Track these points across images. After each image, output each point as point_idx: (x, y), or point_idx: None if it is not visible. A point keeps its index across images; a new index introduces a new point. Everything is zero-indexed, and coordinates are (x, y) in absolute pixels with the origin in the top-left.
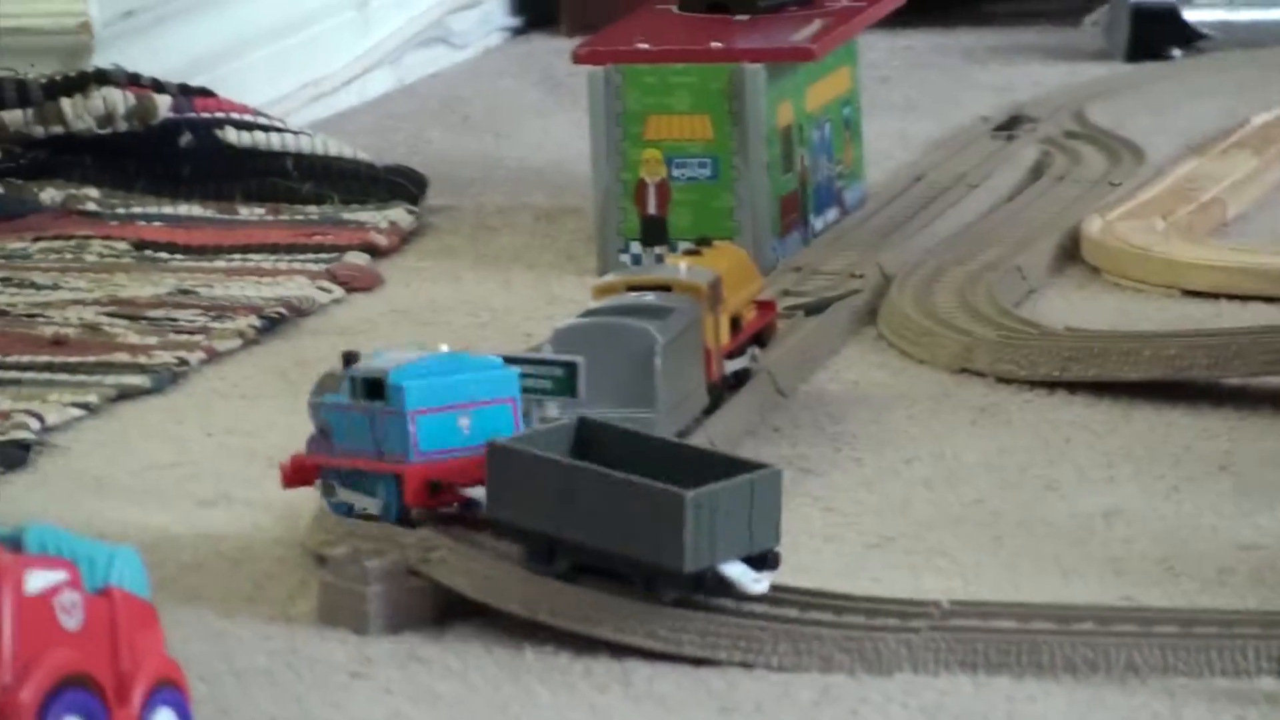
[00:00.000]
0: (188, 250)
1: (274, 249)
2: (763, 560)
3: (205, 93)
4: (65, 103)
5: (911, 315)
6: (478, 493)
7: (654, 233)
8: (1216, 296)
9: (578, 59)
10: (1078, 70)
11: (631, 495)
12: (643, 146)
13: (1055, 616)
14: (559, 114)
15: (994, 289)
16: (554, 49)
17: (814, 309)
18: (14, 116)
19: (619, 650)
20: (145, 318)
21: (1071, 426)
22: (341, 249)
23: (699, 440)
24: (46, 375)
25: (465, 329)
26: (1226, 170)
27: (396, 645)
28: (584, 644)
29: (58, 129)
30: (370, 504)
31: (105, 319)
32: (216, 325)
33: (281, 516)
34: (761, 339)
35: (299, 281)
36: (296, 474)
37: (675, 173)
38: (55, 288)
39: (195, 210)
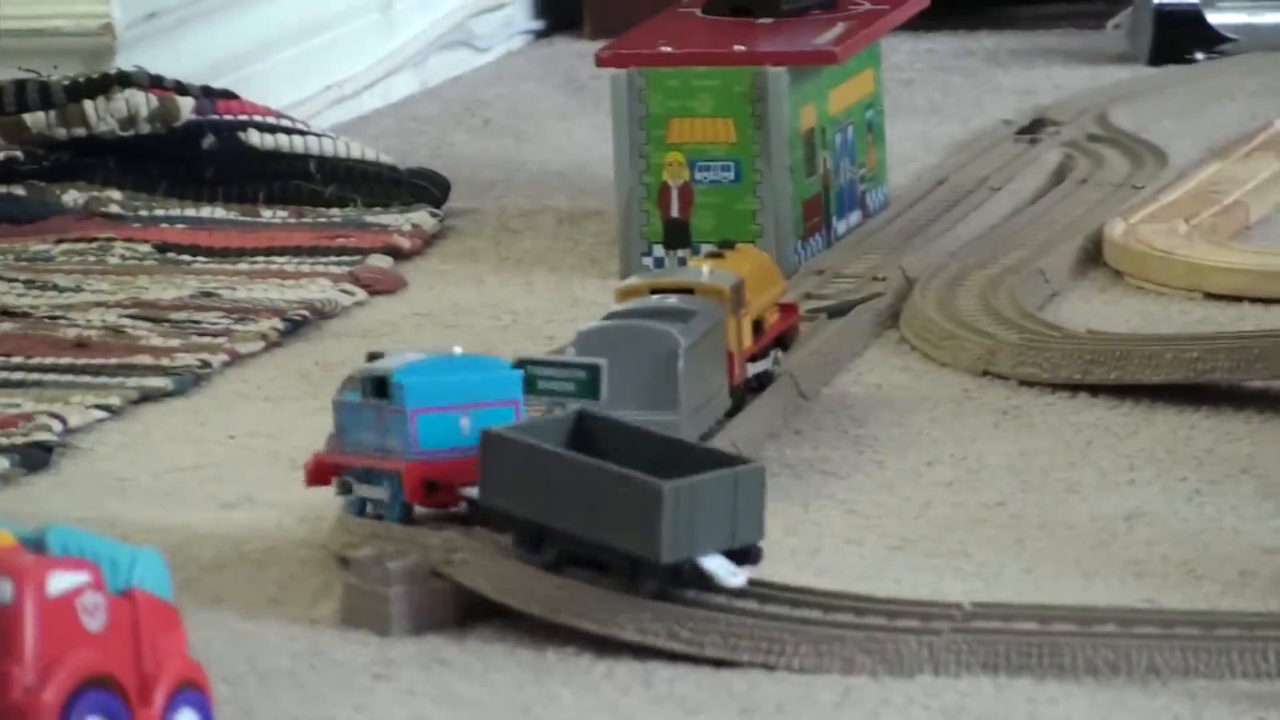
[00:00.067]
0: (210, 253)
1: (297, 251)
2: (745, 555)
3: (228, 95)
4: (88, 105)
5: (934, 318)
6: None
7: (676, 236)
8: (1239, 299)
9: (600, 62)
10: (1100, 73)
11: (613, 485)
12: (665, 149)
13: (1077, 618)
14: (581, 117)
15: (1016, 292)
16: (577, 52)
17: (836, 312)
18: (37, 118)
19: (641, 652)
20: (168, 320)
21: (1093, 429)
22: (364, 252)
23: (722, 443)
24: (69, 377)
25: (488, 331)
26: (1249, 173)
27: (419, 647)
28: (606, 645)
29: (80, 131)
30: (383, 498)
31: (128, 321)
32: (239, 327)
33: (304, 518)
34: (784, 342)
35: (321, 284)
36: (317, 472)
37: (698, 176)
38: (78, 290)
39: (218, 213)
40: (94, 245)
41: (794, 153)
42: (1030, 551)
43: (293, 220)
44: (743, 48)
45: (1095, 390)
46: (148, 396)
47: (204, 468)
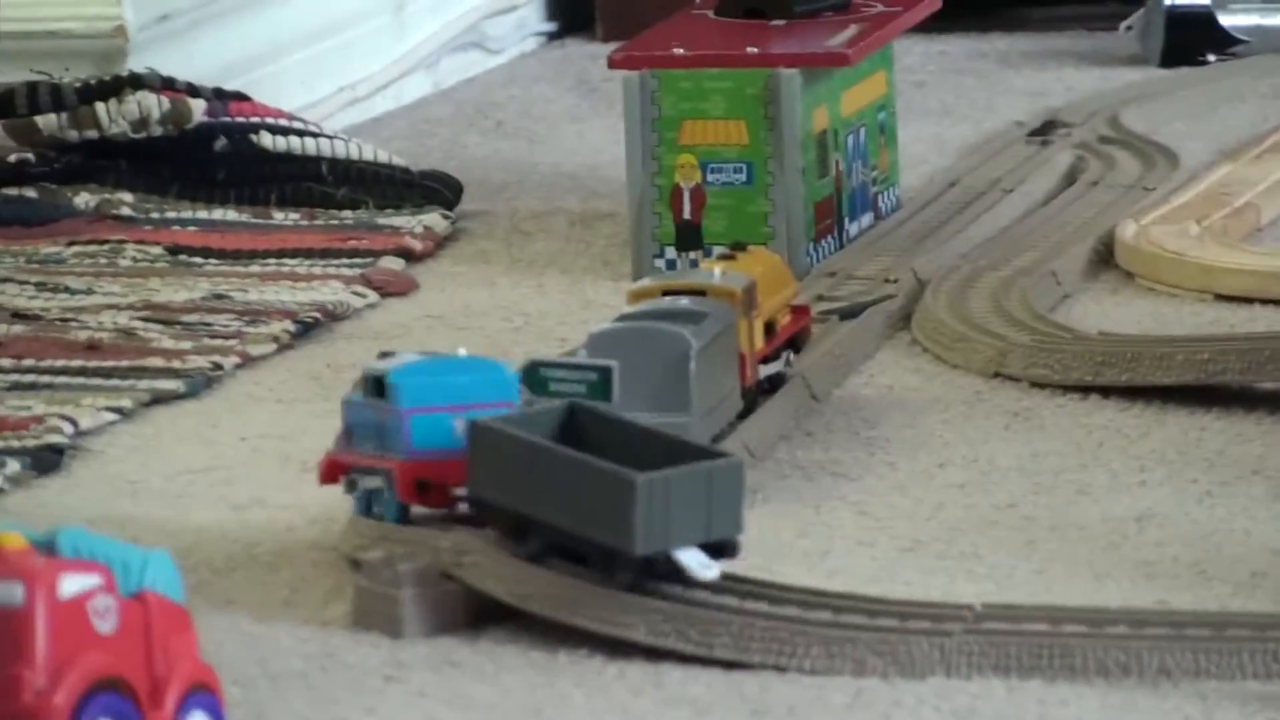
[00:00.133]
0: (222, 255)
1: (308, 254)
2: (721, 549)
3: (240, 97)
4: (100, 107)
5: (946, 320)
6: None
7: (688, 238)
8: (1250, 301)
9: (613, 64)
10: (1112, 75)
11: (589, 477)
12: (678, 151)
13: (1088, 620)
14: (594, 119)
15: (1028, 294)
16: (589, 54)
17: (848, 313)
18: (48, 121)
19: (653, 653)
20: (179, 322)
21: (1104, 431)
22: (376, 254)
23: (733, 444)
24: (80, 380)
25: (499, 334)
26: (1261, 175)
27: (431, 649)
28: (618, 647)
29: (92, 133)
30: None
31: (139, 324)
32: (251, 330)
33: (316, 520)
34: (796, 344)
35: (333, 286)
36: (328, 470)
37: (710, 178)
38: (89, 292)
39: (230, 215)
40: (105, 248)
41: (806, 155)
42: (1041, 553)
43: (304, 222)
44: (755, 50)
45: (1106, 392)
46: (159, 399)
47: (215, 470)
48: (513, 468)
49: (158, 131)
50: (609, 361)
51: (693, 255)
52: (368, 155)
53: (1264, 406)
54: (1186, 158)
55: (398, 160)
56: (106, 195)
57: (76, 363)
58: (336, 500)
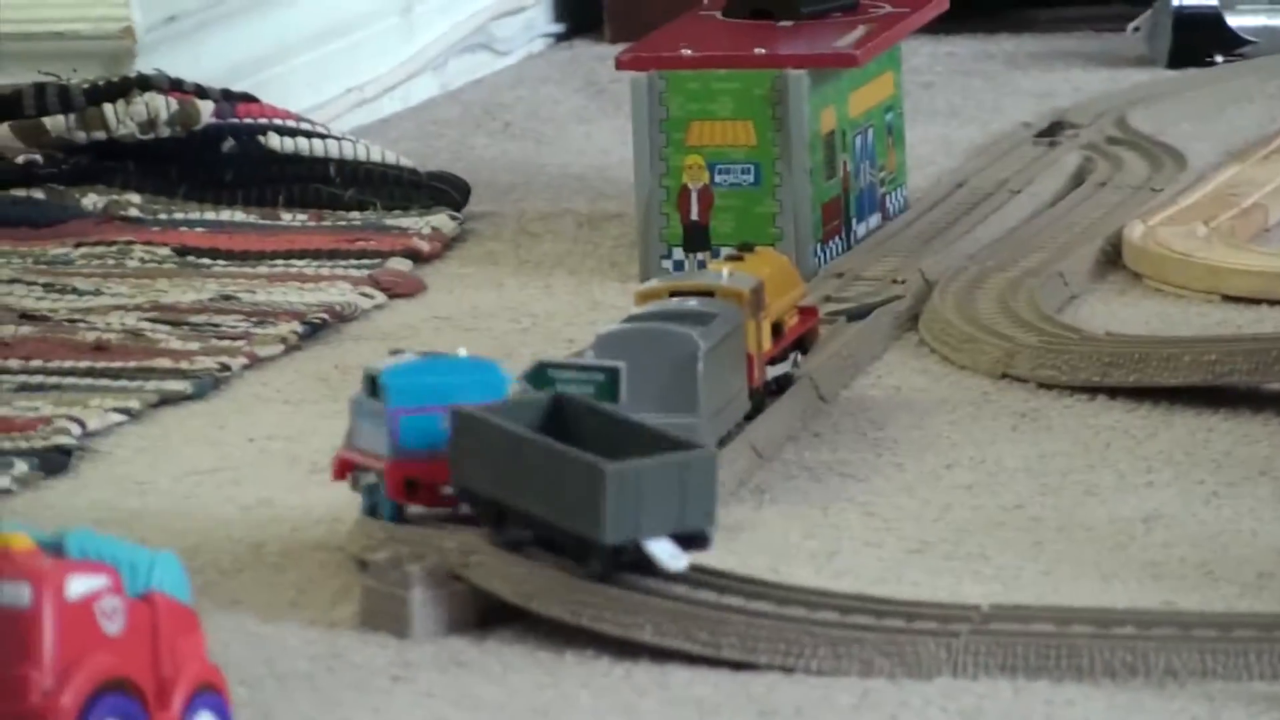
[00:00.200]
0: (230, 256)
1: (316, 255)
2: (693, 541)
3: (248, 98)
4: (108, 108)
5: (953, 321)
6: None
7: (696, 239)
8: (1258, 302)
9: (621, 65)
10: (1119, 76)
11: (560, 465)
12: (685, 152)
13: (1094, 620)
14: (601, 120)
15: (1036, 295)
16: (597, 55)
17: (856, 314)
18: (56, 122)
19: (659, 654)
20: (187, 323)
21: (1111, 432)
22: (384, 255)
23: (741, 445)
24: (88, 381)
25: (507, 335)
26: (1268, 176)
27: (438, 649)
28: (624, 648)
29: (100, 134)
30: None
31: (147, 325)
32: (258, 331)
33: (323, 521)
34: (803, 344)
35: (341, 287)
36: (339, 468)
37: (718, 179)
38: (97, 293)
39: (237, 216)
40: (113, 249)
41: (814, 155)
42: (1049, 554)
43: (312, 223)
44: (763, 50)
45: (1114, 393)
46: (167, 400)
47: (223, 471)
48: (491, 456)
49: (165, 133)
50: (616, 362)
51: (700, 256)
52: (375, 156)
53: (1271, 407)
54: (1194, 159)
55: (405, 161)
56: (114, 196)
57: (84, 364)
58: (343, 501)
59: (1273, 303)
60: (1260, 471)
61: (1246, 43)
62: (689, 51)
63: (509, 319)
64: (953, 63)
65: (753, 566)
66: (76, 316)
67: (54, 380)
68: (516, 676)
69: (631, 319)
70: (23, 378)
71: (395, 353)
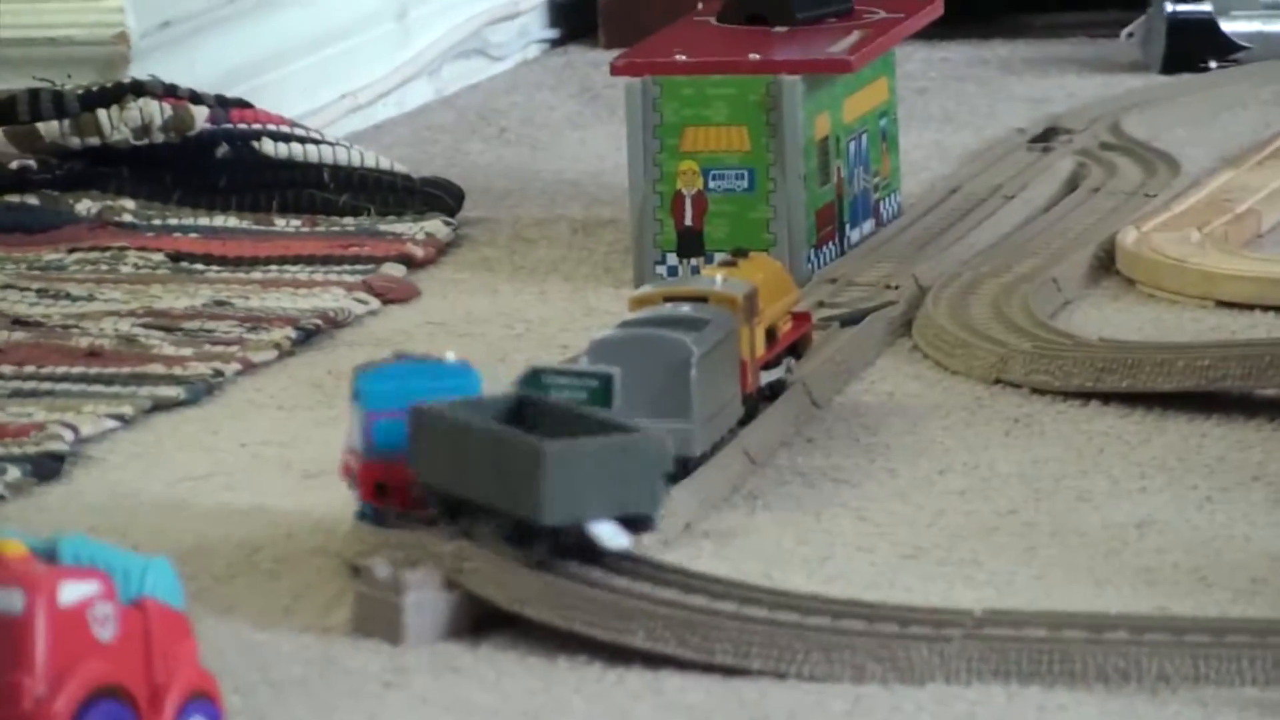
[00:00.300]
0: (224, 262)
1: (310, 261)
2: (637, 525)
3: (242, 104)
4: (102, 114)
5: (947, 326)
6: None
7: (690, 244)
8: (1251, 308)
9: (615, 71)
10: (1113, 82)
11: (503, 449)
12: (679, 158)
13: (1087, 625)
14: (596, 126)
15: (1029, 300)
16: (591, 61)
17: (849, 320)
18: (50, 128)
19: (652, 659)
20: (181, 329)
21: (1105, 437)
22: (378, 260)
23: (734, 451)
24: (81, 386)
25: (501, 340)
26: (1262, 181)
27: (431, 655)
28: (617, 653)
29: (94, 140)
30: None
31: (141, 330)
32: (252, 337)
33: (316, 527)
34: (797, 350)
35: (335, 293)
36: (345, 470)
37: (712, 184)
38: (90, 299)
39: (231, 222)
40: (107, 254)
41: (808, 161)
42: (1042, 559)
43: (306, 229)
44: (757, 56)
45: (1107, 398)
46: (160, 405)
47: (216, 477)
48: (444, 449)
49: (160, 138)
50: (610, 368)
51: (694, 262)
52: (370, 162)
53: (1264, 413)
54: (1188, 164)
55: (400, 167)
56: (108, 202)
57: (78, 369)
58: (337, 507)
59: (1266, 308)
60: (1253, 477)
61: (1240, 48)
62: (683, 57)
63: (503, 324)
64: (947, 68)
65: (746, 572)
66: (70, 322)
67: (47, 386)
68: (509, 682)
69: (625, 324)
70: (16, 383)
71: (401, 355)
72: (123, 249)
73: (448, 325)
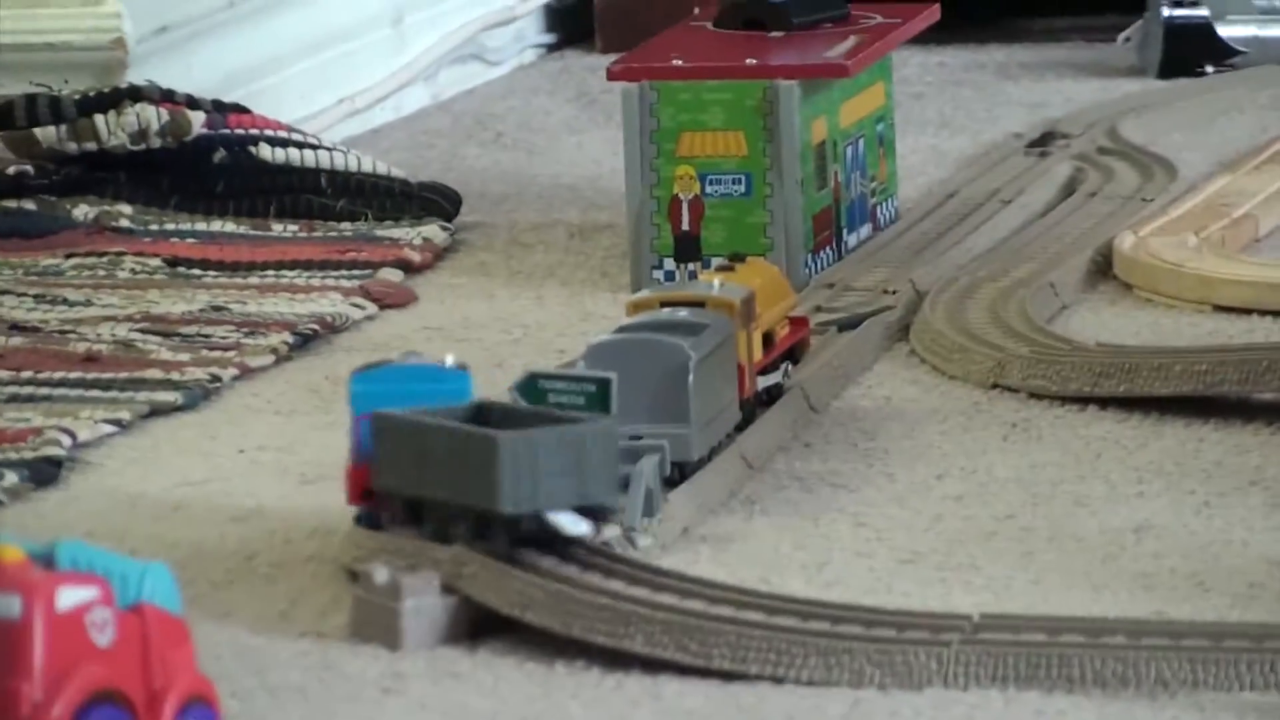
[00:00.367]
0: (221, 267)
1: (307, 265)
2: (597, 515)
3: (239, 109)
4: (99, 119)
5: (944, 331)
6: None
7: (687, 249)
8: (1248, 312)
9: (612, 75)
10: (1110, 86)
11: (459, 444)
12: (676, 163)
13: (1085, 630)
14: (593, 130)
15: (1026, 305)
16: (588, 65)
17: (847, 325)
18: (47, 133)
19: (650, 664)
20: (178, 334)
21: (1102, 442)
22: (375, 265)
23: (732, 455)
24: (79, 392)
25: (498, 345)
26: (1259, 186)
27: (429, 660)
28: (616, 658)
29: (91, 145)
30: None
31: (138, 335)
32: (249, 341)
33: (314, 533)
34: (794, 355)
35: (332, 298)
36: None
37: (709, 189)
38: (88, 304)
39: (229, 227)
40: (104, 260)
41: (805, 166)
42: (1039, 564)
43: (303, 234)
44: (754, 61)
45: (1104, 403)
46: (157, 410)
47: (213, 482)
48: (403, 451)
49: (157, 144)
50: (608, 373)
51: (691, 267)
52: (367, 167)
53: (1262, 417)
54: (1185, 169)
55: (397, 172)
56: (105, 207)
57: (75, 374)
58: (335, 512)
59: (1263, 313)
60: (1251, 482)
61: (1237, 53)
62: (680, 62)
63: (500, 329)
64: (944, 73)
65: (743, 577)
66: (67, 327)
67: (44, 391)
68: (508, 688)
69: (623, 329)
70: (13, 389)
71: (410, 354)
72: (120, 254)
73: (445, 330)
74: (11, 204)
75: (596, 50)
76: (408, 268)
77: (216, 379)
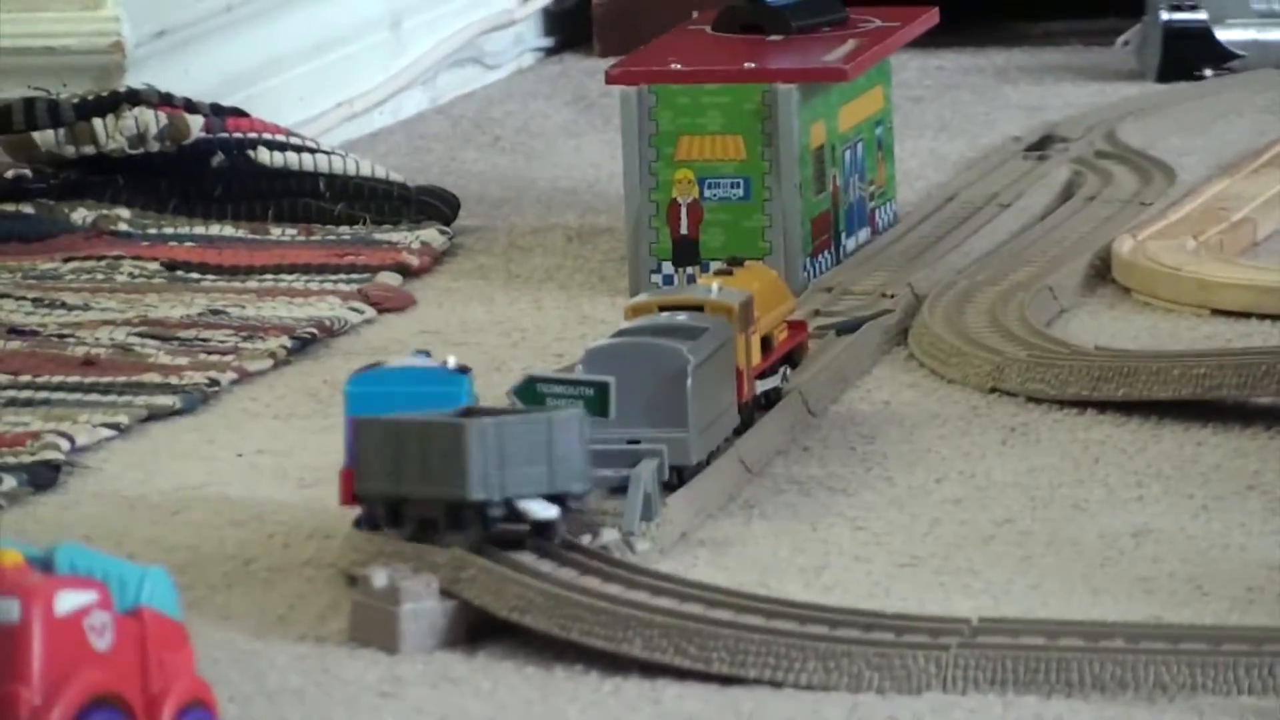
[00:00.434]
0: (219, 271)
1: (306, 269)
2: (566, 502)
3: (238, 113)
4: (97, 123)
5: (943, 335)
6: None
7: (686, 253)
8: (1247, 316)
9: (610, 79)
10: (1109, 90)
11: (428, 435)
12: (675, 167)
13: (1084, 634)
14: (591, 134)
15: (1025, 309)
16: (586, 69)
17: (845, 329)
18: (46, 137)
19: (649, 669)
20: (176, 338)
21: (1101, 446)
22: (373, 269)
23: (730, 459)
24: (77, 396)
25: (497, 349)
26: (1257, 190)
27: (428, 665)
28: (614, 662)
29: (89, 149)
30: None
31: (136, 339)
32: (248, 345)
33: (312, 536)
34: (793, 359)
35: (331, 302)
36: None
37: (707, 193)
38: (86, 308)
39: (227, 230)
40: (102, 263)
41: (803, 170)
42: (1038, 568)
43: (302, 238)
44: (753, 65)
45: (1103, 407)
46: (156, 415)
47: (212, 486)
48: (381, 453)
49: (155, 147)
50: (606, 377)
51: (690, 270)
52: (365, 171)
53: (1260, 421)
54: (1183, 173)
55: (395, 176)
56: (104, 211)
57: (73, 379)
58: (333, 516)
59: (1262, 316)
60: (1249, 486)
61: (1235, 57)
62: (679, 66)
63: (499, 333)
64: (942, 77)
65: (742, 581)
66: (65, 331)
67: (43, 395)
68: (506, 692)
69: (621, 333)
70: (11, 393)
71: (421, 352)
72: (118, 258)
73: (443, 334)
74: (10, 208)
75: (595, 54)
76: (406, 271)
77: (215, 383)
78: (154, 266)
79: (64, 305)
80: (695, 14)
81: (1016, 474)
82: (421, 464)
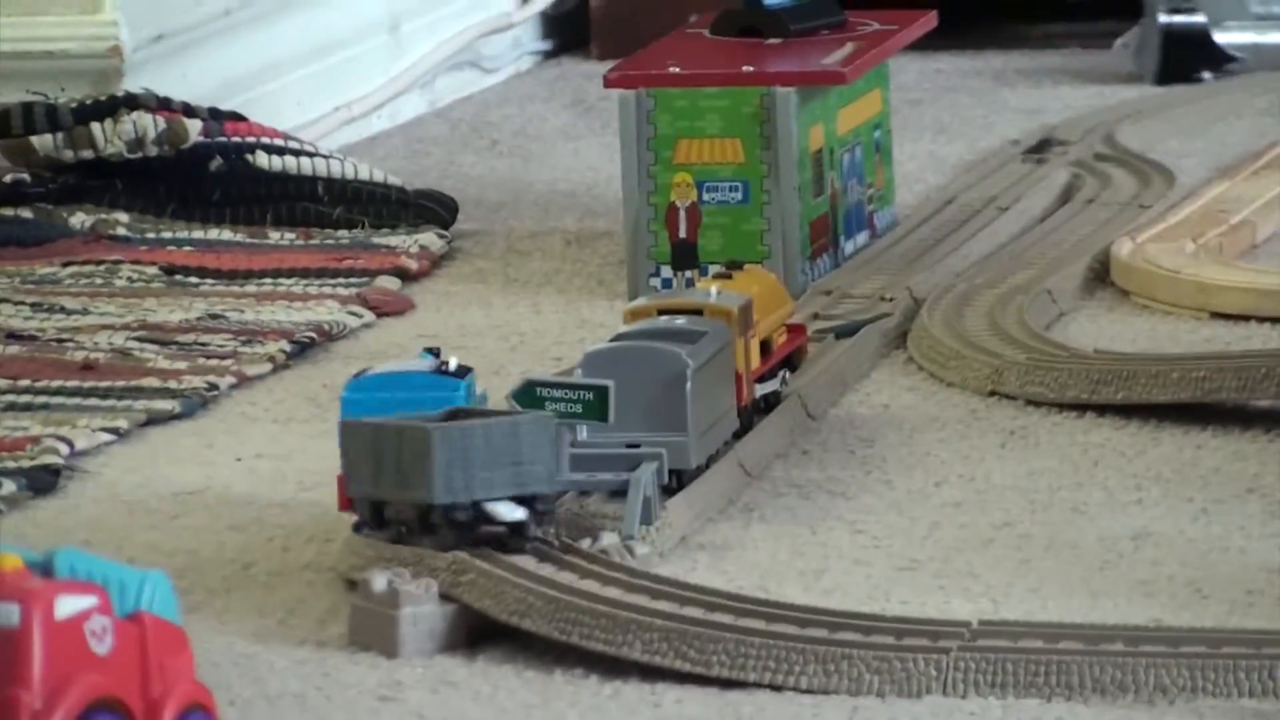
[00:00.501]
0: (218, 275)
1: (304, 273)
2: (534, 504)
3: (236, 117)
4: (95, 127)
5: (941, 338)
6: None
7: (684, 257)
8: (1246, 318)
9: (609, 83)
10: (1108, 93)
11: (399, 439)
12: (673, 170)
13: (1084, 636)
14: (589, 138)
15: (1024, 312)
16: (584, 73)
17: (844, 332)
18: (44, 141)
19: (649, 672)
20: (175, 342)
21: (1100, 449)
22: (372, 273)
23: (729, 463)
24: (76, 400)
25: (495, 353)
26: (1256, 192)
27: (427, 669)
28: (614, 666)
29: (88, 153)
30: None
31: (135, 344)
32: (246, 350)
33: (312, 541)
34: (792, 362)
35: (329, 306)
36: None
37: (706, 196)
38: (85, 312)
39: (225, 235)
40: (101, 268)
41: (802, 173)
42: (1037, 572)
43: (300, 242)
44: (751, 68)
45: (1102, 410)
46: (155, 419)
47: (211, 490)
48: (364, 456)
49: (153, 151)
50: (605, 381)
51: (688, 274)
52: (363, 175)
53: (1259, 424)
54: (1182, 175)
55: (393, 180)
56: (102, 215)
57: (72, 383)
58: (332, 520)
59: (1261, 319)
60: (1249, 489)
61: (1234, 59)
62: (677, 69)
63: (497, 337)
64: (941, 79)
65: (741, 584)
66: (64, 336)
67: (42, 400)
68: (506, 696)
69: (620, 337)
70: (10, 397)
71: (430, 350)
72: (117, 262)
73: (442, 338)
74: (8, 212)
75: (593, 57)
76: (405, 275)
77: (214, 387)
78: (153, 271)
79: (63, 310)
80: (694, 17)
81: (1016, 477)
82: (397, 467)
